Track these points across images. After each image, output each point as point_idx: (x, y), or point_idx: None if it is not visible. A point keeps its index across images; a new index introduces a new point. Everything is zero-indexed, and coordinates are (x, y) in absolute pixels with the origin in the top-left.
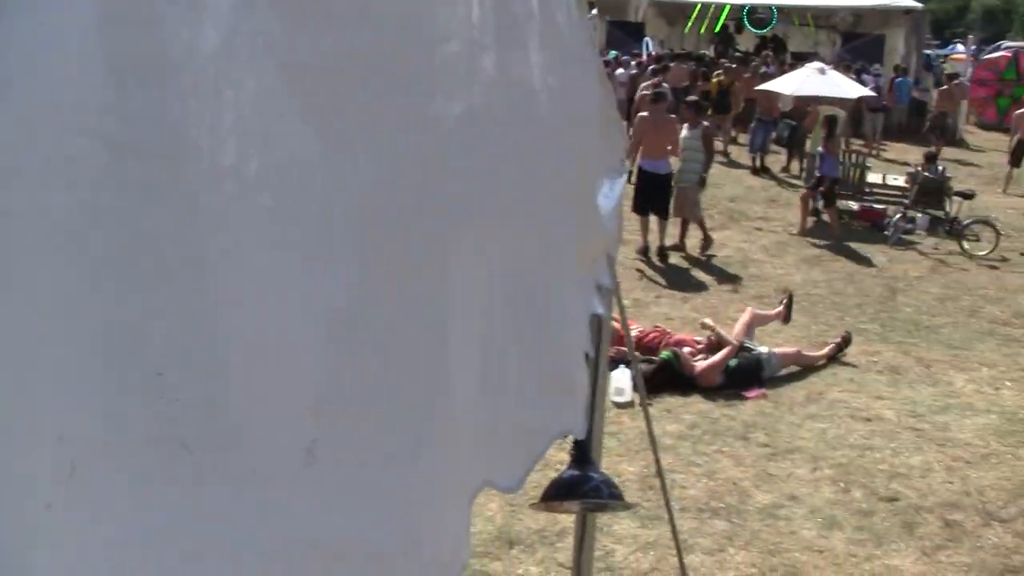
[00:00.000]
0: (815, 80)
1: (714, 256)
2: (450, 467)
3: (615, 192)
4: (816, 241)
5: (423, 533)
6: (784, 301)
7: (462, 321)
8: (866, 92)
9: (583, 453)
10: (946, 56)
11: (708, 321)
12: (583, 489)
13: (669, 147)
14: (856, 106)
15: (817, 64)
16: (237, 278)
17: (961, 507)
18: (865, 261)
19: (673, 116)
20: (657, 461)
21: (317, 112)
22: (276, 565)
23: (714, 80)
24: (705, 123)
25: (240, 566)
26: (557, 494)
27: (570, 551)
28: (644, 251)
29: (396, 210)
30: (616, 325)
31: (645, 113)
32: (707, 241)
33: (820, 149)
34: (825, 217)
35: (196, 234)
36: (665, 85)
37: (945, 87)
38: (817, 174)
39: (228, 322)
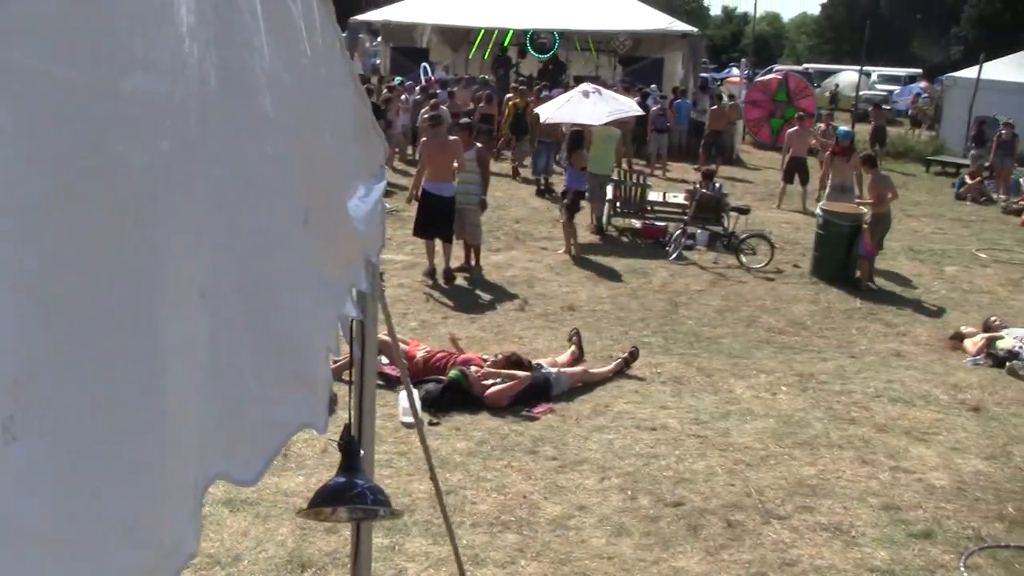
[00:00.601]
0: (571, 106)
1: (500, 276)
2: (167, 453)
3: (372, 197)
4: (600, 259)
5: (135, 518)
6: (573, 339)
7: (178, 308)
8: (621, 116)
9: (351, 461)
10: (723, 79)
11: (495, 371)
12: (348, 495)
13: (456, 166)
14: (638, 128)
15: (583, 87)
16: None
17: (742, 507)
18: (648, 277)
19: (455, 138)
20: (433, 478)
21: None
22: None
23: (509, 103)
24: (479, 145)
25: None
26: (323, 501)
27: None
28: (431, 274)
29: (92, 187)
30: (405, 347)
31: (425, 138)
32: (476, 266)
33: (564, 163)
34: (611, 230)
35: None
36: (443, 108)
37: (715, 107)
38: (564, 187)
39: None
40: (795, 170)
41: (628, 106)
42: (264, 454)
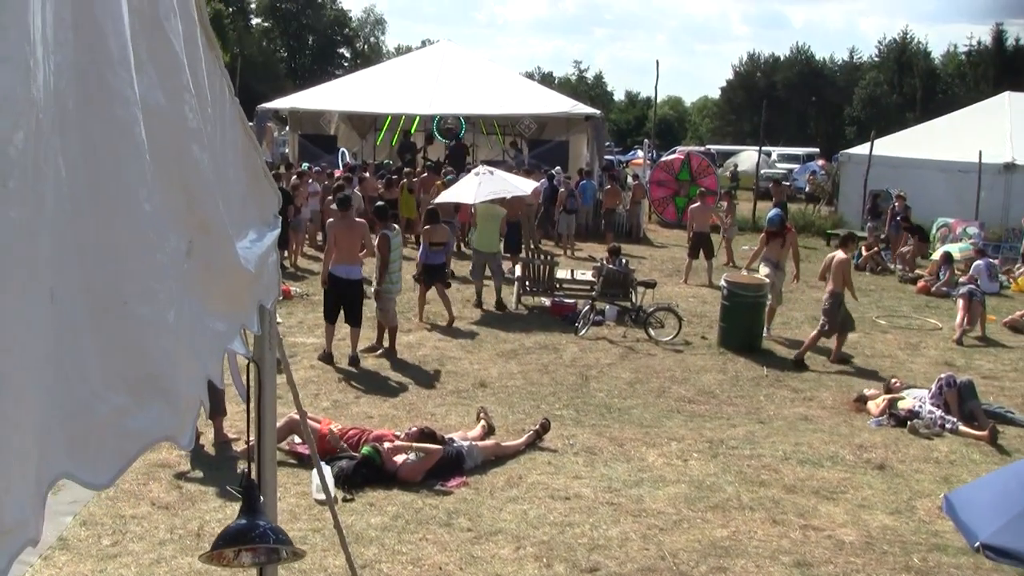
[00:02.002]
0: (460, 186)
1: (412, 356)
2: (2, 435)
3: (264, 242)
4: (510, 336)
5: None
6: (481, 416)
7: (21, 297)
8: (500, 195)
9: (251, 503)
10: (628, 162)
11: (407, 444)
12: (250, 536)
13: (362, 252)
14: (548, 208)
15: (476, 169)
16: None
17: (657, 570)
18: (558, 352)
19: (362, 221)
20: (345, 550)
21: None
22: None
23: (404, 186)
24: (385, 231)
25: None
26: (225, 543)
27: None
28: (327, 358)
29: None
30: (316, 425)
31: (332, 220)
32: (389, 347)
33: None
34: (520, 308)
35: None
36: (355, 192)
37: (609, 187)
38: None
39: None
40: (699, 245)
41: (514, 186)
42: (117, 460)
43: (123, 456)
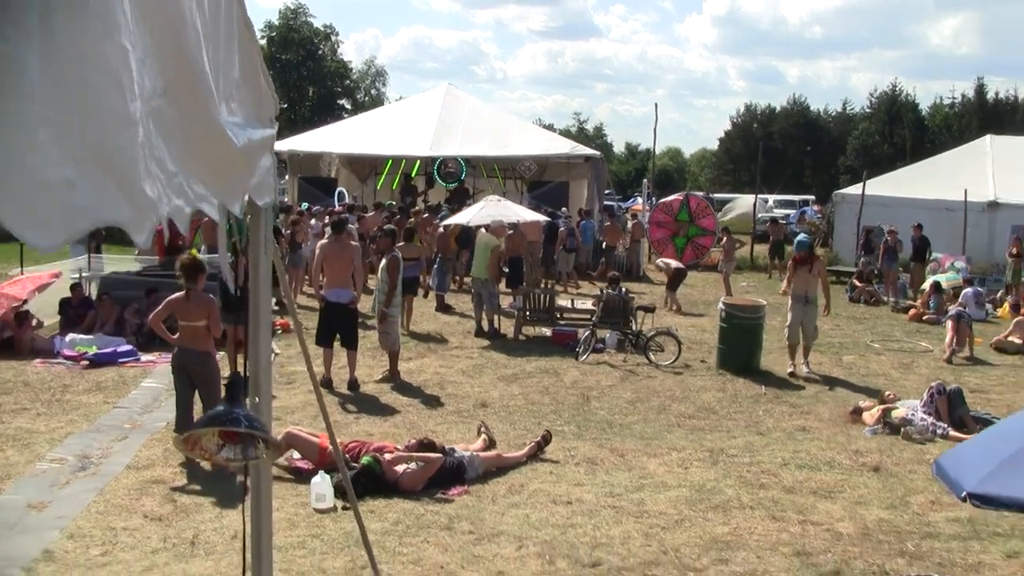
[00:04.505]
0: (470, 210)
1: (413, 380)
2: None
3: (257, 133)
4: (511, 360)
5: None
6: (481, 430)
7: None
8: (496, 221)
9: (234, 393)
10: (627, 208)
11: (407, 454)
12: (224, 419)
13: (352, 275)
14: (548, 247)
15: (489, 197)
16: None
17: (660, 564)
18: (559, 376)
19: (356, 244)
20: (367, 546)
21: None
22: None
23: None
24: (394, 253)
25: None
26: (199, 426)
27: None
28: (327, 384)
29: None
30: (313, 439)
31: (325, 240)
32: (390, 372)
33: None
34: (521, 337)
35: None
36: (351, 227)
37: (608, 223)
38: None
39: None
40: (677, 278)
41: (515, 213)
42: (64, 231)
43: (69, 229)
